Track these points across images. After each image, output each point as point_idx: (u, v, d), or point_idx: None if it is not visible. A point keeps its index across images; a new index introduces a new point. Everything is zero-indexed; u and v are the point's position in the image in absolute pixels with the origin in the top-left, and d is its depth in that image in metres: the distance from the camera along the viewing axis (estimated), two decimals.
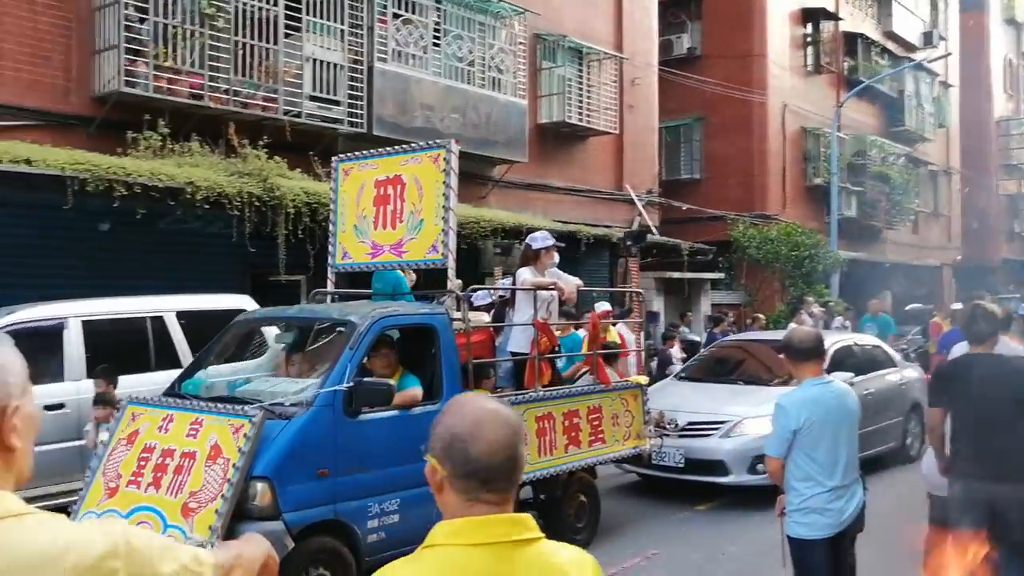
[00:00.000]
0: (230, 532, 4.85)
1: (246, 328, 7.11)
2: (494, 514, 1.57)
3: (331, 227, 7.44)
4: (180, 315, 8.06)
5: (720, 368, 10.45)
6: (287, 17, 11.26)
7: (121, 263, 9.74)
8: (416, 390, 6.00)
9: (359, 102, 12.15)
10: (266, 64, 11.23)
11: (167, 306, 8.12)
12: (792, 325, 11.72)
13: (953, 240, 33.06)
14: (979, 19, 33.80)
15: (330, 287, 7.50)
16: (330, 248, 7.41)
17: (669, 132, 22.30)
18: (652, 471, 8.76)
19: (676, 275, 18.28)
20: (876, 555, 5.19)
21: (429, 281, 7.85)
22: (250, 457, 5.03)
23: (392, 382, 5.76)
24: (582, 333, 8.58)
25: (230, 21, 10.65)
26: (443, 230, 6.53)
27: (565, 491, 7.03)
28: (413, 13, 13.10)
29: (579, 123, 16.45)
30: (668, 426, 8.45)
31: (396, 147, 7.39)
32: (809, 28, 24.13)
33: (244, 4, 10.80)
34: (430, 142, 7.17)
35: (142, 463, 5.36)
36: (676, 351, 13.25)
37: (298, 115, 11.36)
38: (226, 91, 10.69)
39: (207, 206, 9.48)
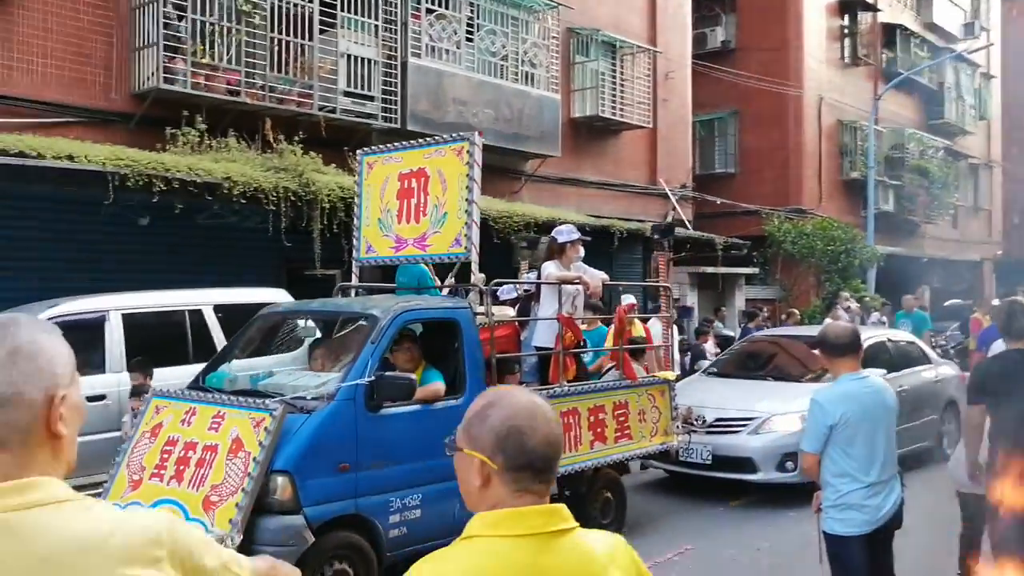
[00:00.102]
0: (250, 526, 4.88)
1: (270, 322, 7.10)
2: (537, 504, 1.60)
3: (355, 221, 7.43)
4: (217, 308, 8.18)
5: (749, 364, 10.34)
6: (322, 13, 11.34)
7: (160, 257, 9.91)
8: (438, 384, 5.95)
9: (393, 97, 12.21)
10: (301, 60, 11.32)
11: (205, 299, 8.24)
12: (827, 320, 11.60)
13: (994, 235, 32.45)
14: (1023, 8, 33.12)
15: (354, 280, 7.49)
16: (354, 242, 7.39)
17: (703, 126, 22.14)
18: (679, 468, 8.68)
19: (710, 270, 18.16)
20: (913, 554, 5.13)
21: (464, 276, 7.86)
22: (271, 451, 5.02)
23: (414, 376, 5.72)
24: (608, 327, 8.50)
25: (266, 18, 10.75)
26: (466, 223, 6.48)
27: (590, 487, 6.97)
28: (446, 8, 13.12)
29: (612, 117, 16.39)
30: (696, 422, 8.36)
31: (420, 140, 7.35)
32: (846, 19, 23.80)
33: (280, 1, 10.89)
34: (454, 135, 7.12)
35: (165, 456, 5.38)
36: (710, 346, 13.17)
37: (333, 111, 11.44)
38: (262, 87, 10.80)
39: (244, 201, 9.58)
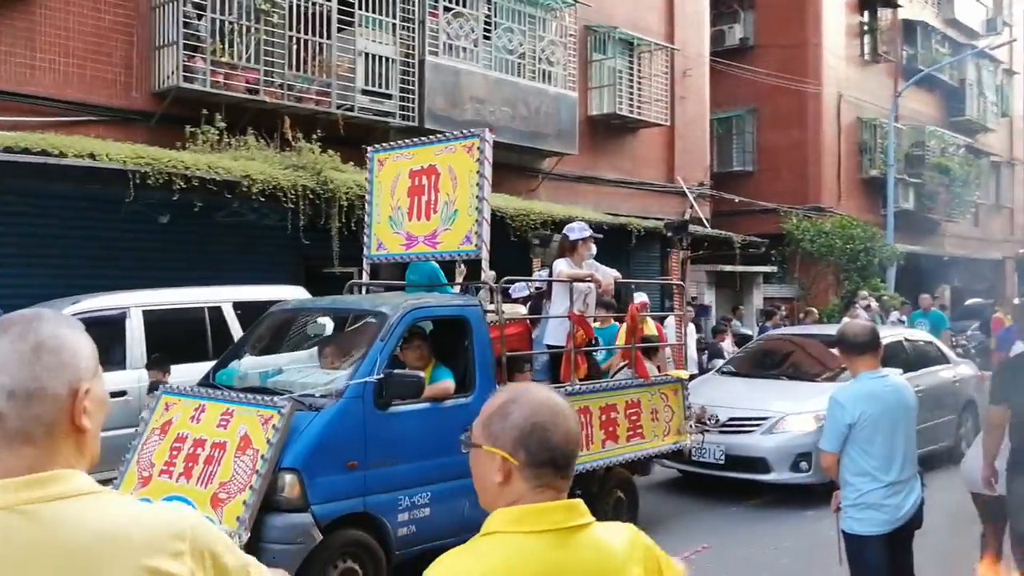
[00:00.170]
0: (258, 523, 4.84)
1: (280, 319, 7.07)
2: (557, 500, 1.61)
3: (366, 218, 7.39)
4: (236, 305, 8.22)
5: (764, 363, 10.22)
6: (340, 12, 11.39)
7: (179, 254, 9.98)
8: (448, 383, 5.90)
9: (410, 95, 12.24)
10: (320, 59, 11.38)
11: (224, 297, 8.29)
12: (845, 319, 11.53)
13: (1016, 233, 32.09)
14: None
15: (365, 278, 7.48)
16: (365, 239, 7.36)
17: (721, 124, 22.05)
18: (692, 468, 8.60)
19: (728, 268, 18.08)
20: (933, 554, 5.10)
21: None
22: (279, 448, 4.99)
23: (422, 374, 5.67)
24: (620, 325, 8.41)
25: (284, 17, 10.81)
26: (477, 220, 6.41)
27: (602, 487, 6.89)
28: (464, 6, 13.14)
29: (630, 115, 16.35)
30: (709, 422, 8.24)
31: (430, 136, 7.30)
32: (866, 16, 23.63)
33: (298, 0, 10.94)
34: (464, 131, 7.06)
35: (174, 453, 5.36)
36: (727, 345, 13.12)
37: (351, 109, 11.48)
38: (281, 85, 10.86)
39: (263, 199, 9.64)
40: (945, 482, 8.31)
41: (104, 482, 5.38)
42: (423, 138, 7.26)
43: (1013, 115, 30.63)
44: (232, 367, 6.39)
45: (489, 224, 6.50)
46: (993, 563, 5.10)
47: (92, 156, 8.59)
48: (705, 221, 18.07)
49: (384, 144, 7.54)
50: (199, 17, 10.29)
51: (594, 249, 7.20)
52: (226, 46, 10.42)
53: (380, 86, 11.90)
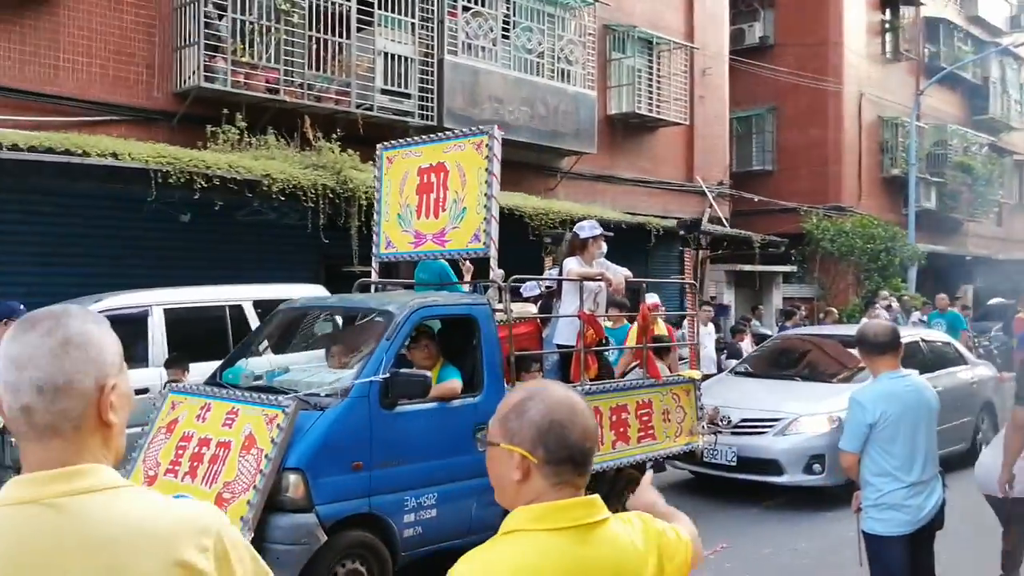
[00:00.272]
0: (262, 524, 4.80)
1: (288, 317, 7.03)
2: (576, 497, 1.62)
3: (375, 216, 7.35)
4: (257, 304, 8.26)
5: (778, 363, 10.10)
6: (359, 12, 11.42)
7: (200, 253, 10.05)
8: (455, 382, 5.82)
9: (429, 95, 12.27)
10: (339, 58, 11.42)
11: (245, 295, 8.33)
12: (864, 320, 11.44)
13: None
14: None
15: (374, 276, 7.44)
16: (374, 237, 7.32)
17: (740, 123, 21.95)
18: (704, 469, 8.51)
19: (747, 268, 18.00)
20: (954, 556, 5.06)
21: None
22: (283, 448, 4.94)
23: (428, 374, 5.59)
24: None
25: (304, 17, 10.86)
26: (485, 218, 6.35)
27: (612, 488, 6.78)
28: (482, 6, 13.15)
29: (649, 114, 16.31)
30: (721, 422, 8.16)
31: (439, 134, 7.24)
32: (888, 14, 23.44)
33: (318, 0, 11.00)
34: (473, 128, 7.00)
35: (180, 452, 5.33)
36: (746, 344, 13.05)
37: (370, 108, 11.52)
38: (301, 85, 10.91)
39: (283, 198, 9.68)
40: (961, 485, 8.24)
41: None
42: (432, 135, 7.20)
43: None
44: (239, 366, 6.36)
45: (498, 222, 6.43)
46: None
47: (115, 155, 8.66)
48: (724, 220, 17.99)
49: (393, 141, 7.44)
50: (220, 17, 10.36)
51: (604, 247, 7.11)
52: (246, 46, 10.48)
53: (399, 85, 11.93)
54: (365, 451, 5.25)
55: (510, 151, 12.83)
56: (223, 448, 5.14)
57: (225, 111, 10.29)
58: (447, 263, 7.22)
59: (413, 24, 12.13)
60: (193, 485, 5.09)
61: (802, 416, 8.34)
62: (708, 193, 17.97)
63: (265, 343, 6.97)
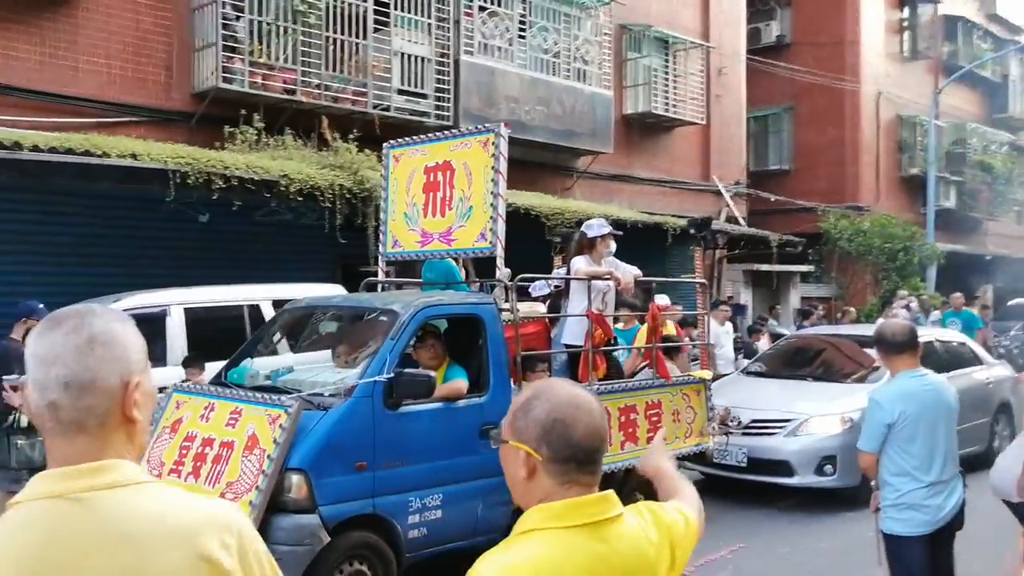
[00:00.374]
0: (265, 525, 4.76)
1: (294, 317, 7.01)
2: (587, 494, 1.62)
3: (382, 215, 7.31)
4: (275, 303, 8.31)
5: (790, 363, 9.99)
6: (376, 12, 11.46)
7: (219, 253, 10.12)
8: (460, 382, 5.77)
9: (446, 95, 12.29)
10: (356, 59, 11.46)
11: (263, 295, 8.39)
12: (880, 320, 11.36)
13: None
14: None
15: (381, 276, 7.42)
16: (381, 236, 7.28)
17: (757, 122, 21.85)
18: (714, 470, 8.43)
19: (765, 267, 17.93)
20: (974, 557, 5.02)
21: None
22: (286, 448, 4.90)
23: (433, 373, 5.53)
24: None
25: (321, 17, 10.91)
26: (491, 217, 6.30)
27: (621, 489, 6.66)
28: (498, 6, 13.16)
29: (665, 114, 16.27)
30: (731, 423, 8.06)
31: (445, 132, 7.20)
32: (906, 12, 23.27)
33: (335, 0, 11.04)
34: (479, 126, 6.92)
35: (183, 452, 5.31)
36: (763, 344, 13.00)
37: (387, 108, 11.56)
38: (318, 86, 10.96)
39: (300, 198, 9.72)
40: (977, 487, 8.18)
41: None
42: (438, 133, 7.16)
43: None
44: (244, 365, 6.34)
45: (504, 221, 6.37)
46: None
47: (134, 156, 8.73)
48: (741, 220, 17.93)
49: (399, 140, 7.40)
50: (237, 18, 10.42)
51: (613, 246, 7.04)
52: (264, 47, 10.54)
53: (416, 86, 11.96)
54: (369, 451, 5.21)
55: (526, 151, 12.92)
56: (226, 448, 5.12)
57: (243, 112, 10.34)
58: (454, 262, 7.19)
59: (429, 24, 12.16)
60: (196, 485, 5.08)
61: (814, 417, 8.26)
62: (725, 193, 17.91)
63: (270, 343, 6.98)
